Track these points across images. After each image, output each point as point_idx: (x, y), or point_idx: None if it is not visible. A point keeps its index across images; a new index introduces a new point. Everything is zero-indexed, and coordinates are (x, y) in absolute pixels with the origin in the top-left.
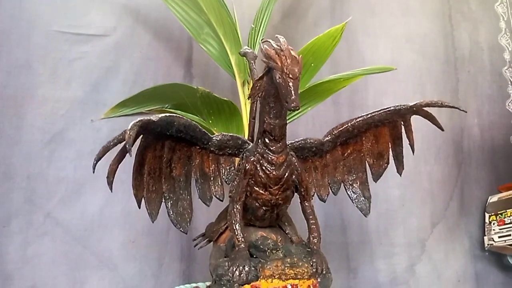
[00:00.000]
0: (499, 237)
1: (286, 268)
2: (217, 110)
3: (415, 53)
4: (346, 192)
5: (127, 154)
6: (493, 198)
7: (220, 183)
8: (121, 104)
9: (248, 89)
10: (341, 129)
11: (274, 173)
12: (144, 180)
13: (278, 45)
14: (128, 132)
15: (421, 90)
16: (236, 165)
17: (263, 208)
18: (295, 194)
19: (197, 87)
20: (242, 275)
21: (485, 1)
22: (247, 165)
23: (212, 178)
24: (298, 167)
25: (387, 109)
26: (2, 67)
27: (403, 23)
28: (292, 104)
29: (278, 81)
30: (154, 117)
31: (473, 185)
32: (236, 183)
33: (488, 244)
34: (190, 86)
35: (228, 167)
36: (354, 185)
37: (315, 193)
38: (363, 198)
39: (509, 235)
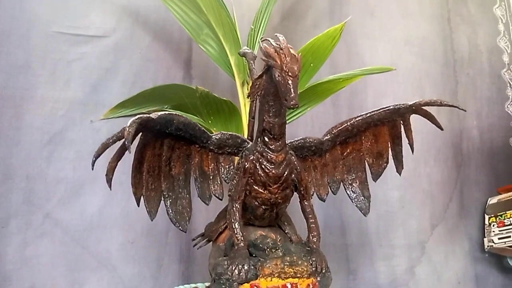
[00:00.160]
0: (499, 238)
1: (285, 267)
2: (216, 110)
3: (414, 56)
4: (346, 191)
5: (126, 151)
6: (493, 200)
7: (219, 182)
8: (121, 105)
9: (248, 89)
10: (340, 128)
11: (273, 171)
12: (143, 178)
13: (277, 44)
14: (127, 129)
15: (421, 92)
16: (236, 164)
17: (263, 207)
18: (295, 193)
19: (197, 86)
20: (241, 273)
21: (483, 4)
22: (246, 163)
23: (211, 177)
24: (297, 166)
25: (387, 108)
26: (2, 67)
27: (402, 26)
28: (292, 102)
29: (277, 79)
30: (153, 115)
31: (472, 187)
32: (235, 182)
33: (488, 246)
34: (189, 86)
35: (227, 166)
36: (354, 184)
37: (315, 193)
38: (362, 197)
39: (509, 236)
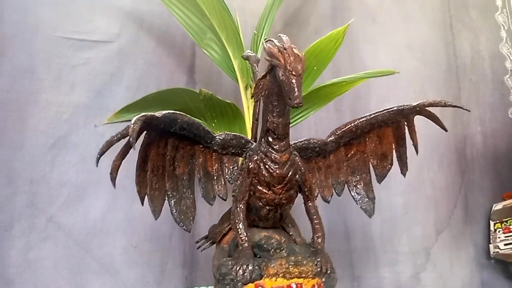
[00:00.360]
0: (505, 244)
1: (290, 267)
2: (220, 113)
3: (417, 61)
4: (350, 193)
5: (130, 150)
6: (498, 206)
7: (223, 183)
8: (125, 110)
9: (251, 92)
10: (344, 129)
11: (277, 171)
12: (148, 177)
13: (281, 44)
14: (131, 126)
15: (423, 97)
16: (239, 164)
17: (267, 207)
18: (299, 194)
19: (200, 89)
20: (246, 274)
21: (485, 10)
22: (250, 164)
23: (215, 178)
24: (301, 166)
25: (390, 109)
26: (6, 72)
27: (404, 31)
28: (296, 101)
29: (281, 78)
30: (158, 113)
31: (477, 193)
32: (239, 182)
33: (493, 252)
34: (193, 90)
35: (231, 167)
36: (358, 186)
37: (319, 194)
38: (367, 199)
39: None
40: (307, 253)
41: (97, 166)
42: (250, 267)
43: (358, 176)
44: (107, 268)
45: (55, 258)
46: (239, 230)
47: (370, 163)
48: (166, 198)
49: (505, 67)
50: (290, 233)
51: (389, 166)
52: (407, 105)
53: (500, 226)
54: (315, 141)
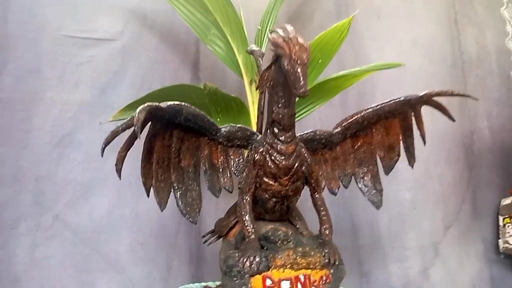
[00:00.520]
0: None
1: (298, 257)
2: (224, 107)
3: (422, 57)
4: (357, 185)
5: (136, 140)
6: (506, 201)
7: (229, 175)
8: (129, 107)
9: (255, 85)
10: (350, 120)
11: (283, 163)
12: (153, 169)
13: (286, 33)
14: (136, 115)
15: None
16: (245, 156)
17: (273, 199)
18: (305, 187)
19: (205, 83)
20: (253, 265)
21: (490, 5)
22: (256, 155)
23: (221, 170)
24: (308, 158)
25: (397, 100)
26: (11, 71)
27: (409, 27)
28: (301, 90)
29: (286, 68)
30: (163, 104)
31: (485, 188)
32: (245, 174)
33: (503, 247)
34: (197, 86)
35: (237, 159)
36: (365, 178)
37: (326, 186)
38: (375, 190)
39: None
40: (315, 244)
41: (102, 156)
42: (257, 259)
43: (365, 168)
44: (114, 265)
45: (62, 256)
46: (245, 222)
47: (377, 154)
48: (172, 190)
49: (511, 62)
50: (297, 226)
51: (397, 157)
52: (413, 95)
53: (509, 221)
54: (321, 132)
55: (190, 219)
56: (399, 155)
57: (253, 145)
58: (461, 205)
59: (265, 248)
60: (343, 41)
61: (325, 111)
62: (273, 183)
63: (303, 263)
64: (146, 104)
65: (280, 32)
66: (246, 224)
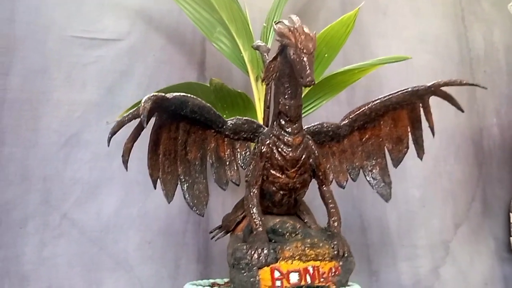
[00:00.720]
0: None
1: (306, 249)
2: (231, 103)
3: (429, 54)
4: (366, 178)
5: (142, 131)
6: None
7: (236, 168)
8: (136, 106)
9: (262, 84)
10: (358, 112)
11: (290, 154)
12: (160, 161)
13: (291, 23)
14: (142, 104)
15: None
16: (252, 149)
17: (281, 192)
18: (313, 180)
19: (211, 78)
20: (261, 257)
21: (497, 2)
22: (263, 147)
23: (227, 163)
24: (315, 150)
25: (405, 90)
26: (19, 71)
27: (415, 25)
28: (307, 79)
29: (292, 57)
30: (169, 95)
31: (495, 185)
32: (252, 167)
33: None
34: (203, 84)
35: (243, 152)
36: (374, 170)
37: (334, 179)
38: (383, 183)
39: None
40: (323, 236)
41: (108, 146)
42: (265, 251)
43: (373, 161)
44: (122, 264)
45: (69, 255)
46: (253, 214)
47: (385, 147)
48: (179, 183)
49: None
50: (305, 220)
51: (405, 149)
52: (421, 86)
53: None
54: (328, 125)
55: (198, 211)
56: (407, 147)
57: (260, 138)
58: (471, 203)
59: (273, 241)
60: (349, 35)
61: (332, 108)
62: (281, 176)
63: (311, 255)
64: (152, 94)
65: (286, 22)
66: (254, 217)
